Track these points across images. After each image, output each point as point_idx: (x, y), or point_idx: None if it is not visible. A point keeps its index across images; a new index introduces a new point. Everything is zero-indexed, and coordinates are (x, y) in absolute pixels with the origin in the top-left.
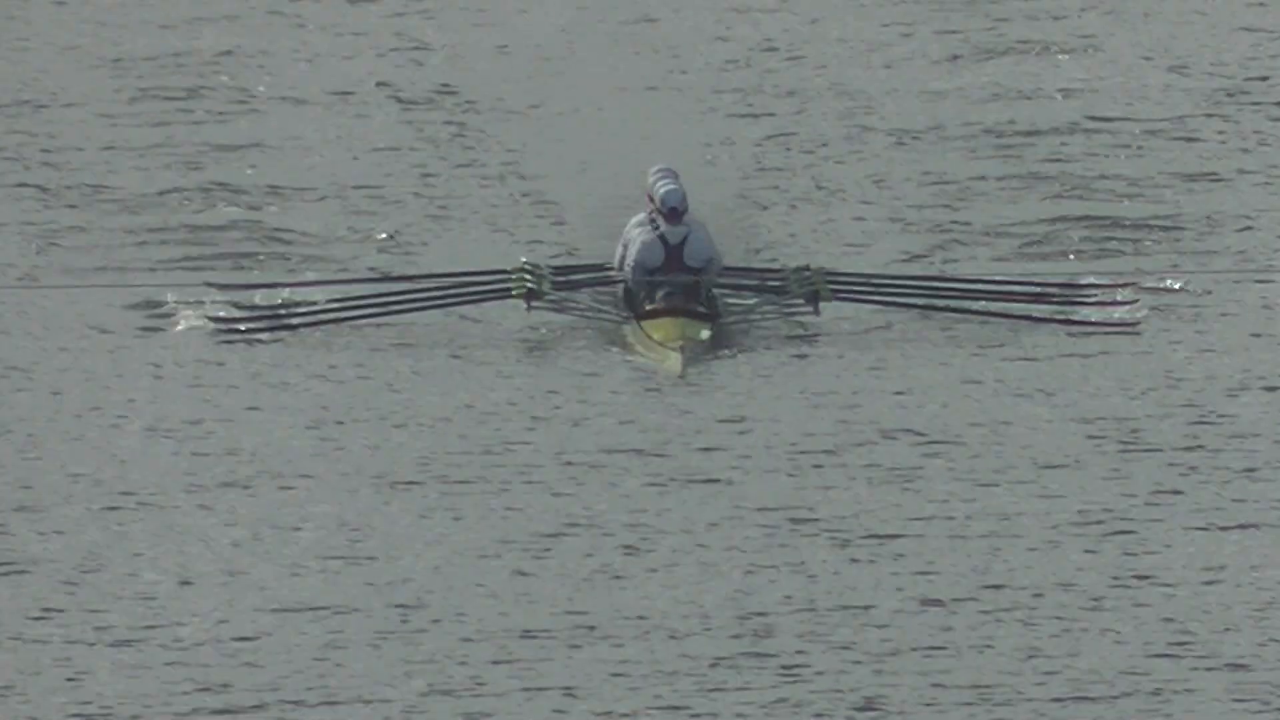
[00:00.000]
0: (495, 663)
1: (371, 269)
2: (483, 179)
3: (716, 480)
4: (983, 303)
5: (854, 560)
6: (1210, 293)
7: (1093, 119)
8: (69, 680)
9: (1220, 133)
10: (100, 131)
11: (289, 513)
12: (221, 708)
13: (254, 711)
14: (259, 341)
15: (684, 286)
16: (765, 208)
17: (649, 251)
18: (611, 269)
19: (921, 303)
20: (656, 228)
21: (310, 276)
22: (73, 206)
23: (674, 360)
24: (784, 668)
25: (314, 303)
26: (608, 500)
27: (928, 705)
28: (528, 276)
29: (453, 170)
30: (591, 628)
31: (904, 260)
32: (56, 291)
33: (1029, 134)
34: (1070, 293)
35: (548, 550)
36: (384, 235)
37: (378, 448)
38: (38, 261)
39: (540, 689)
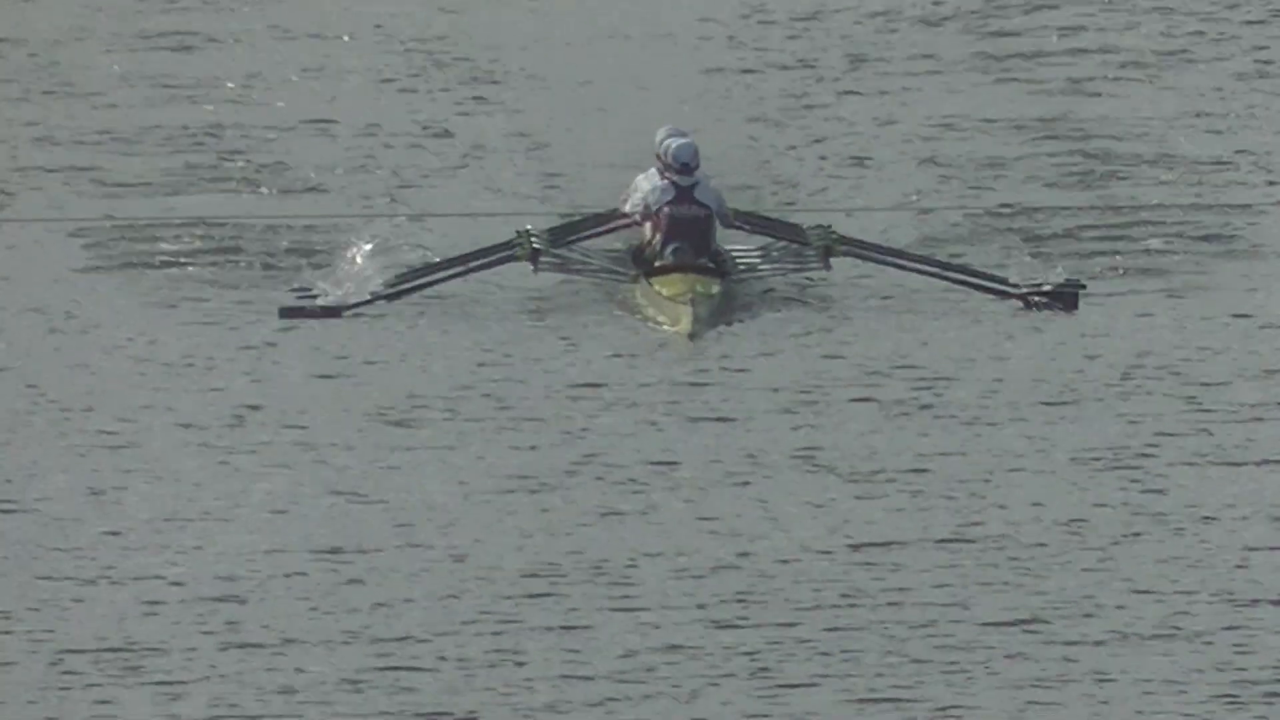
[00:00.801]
0: (506, 598)
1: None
2: (484, 140)
3: (728, 419)
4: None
5: (864, 498)
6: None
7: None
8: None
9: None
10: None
11: (301, 453)
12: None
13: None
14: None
15: (696, 222)
16: (775, 166)
17: (659, 189)
18: (611, 216)
19: (934, 271)
20: (667, 178)
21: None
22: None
23: (684, 317)
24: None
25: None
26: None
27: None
28: (533, 239)
29: (453, 130)
30: (600, 566)
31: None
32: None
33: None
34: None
35: (565, 485)
36: (384, 199)
37: (387, 408)
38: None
39: (562, 627)
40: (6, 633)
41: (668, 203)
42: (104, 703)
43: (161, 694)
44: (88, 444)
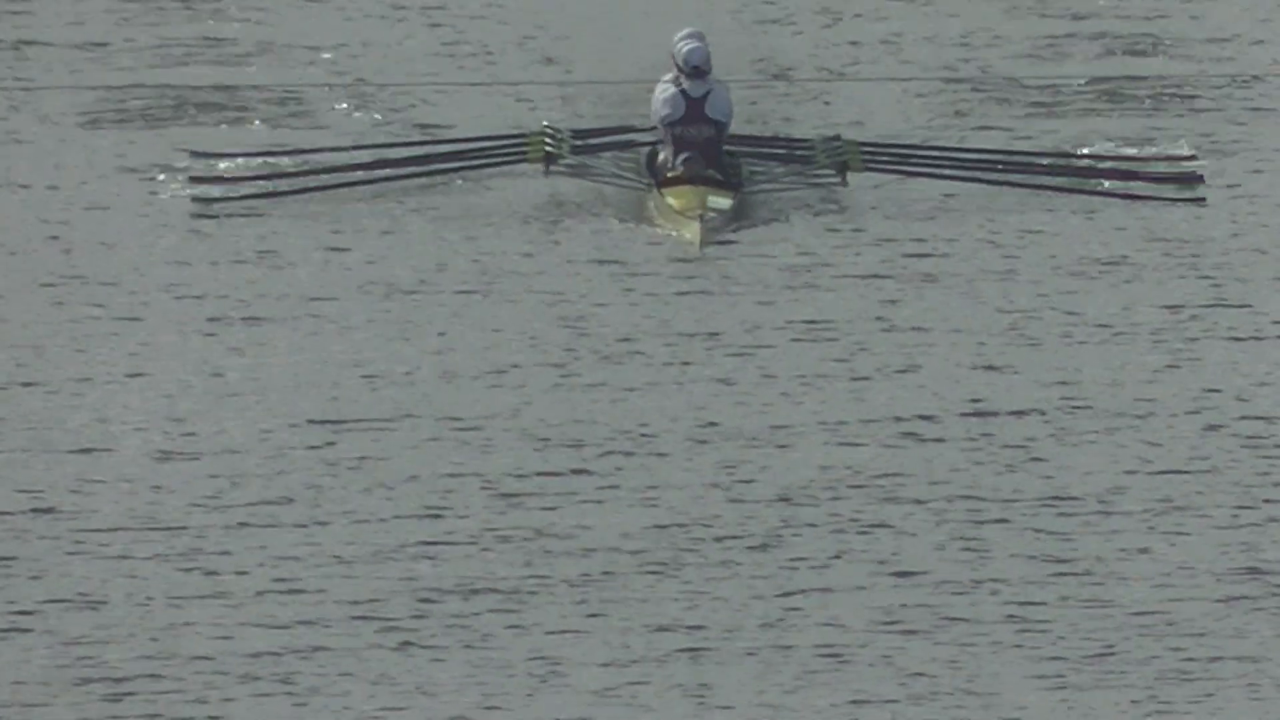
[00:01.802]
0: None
1: (374, 129)
2: (499, 44)
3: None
4: (1022, 175)
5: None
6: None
7: None
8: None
9: None
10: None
11: (303, 341)
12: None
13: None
14: (246, 212)
15: (704, 141)
16: (793, 78)
17: (670, 104)
18: (634, 130)
19: (962, 174)
20: (679, 84)
21: (300, 141)
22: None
23: (693, 231)
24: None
25: (304, 165)
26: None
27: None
28: (548, 140)
29: (467, 30)
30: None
31: (939, 126)
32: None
33: None
34: (1123, 164)
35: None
36: (384, 100)
37: (382, 310)
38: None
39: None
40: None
41: (677, 121)
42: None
43: None
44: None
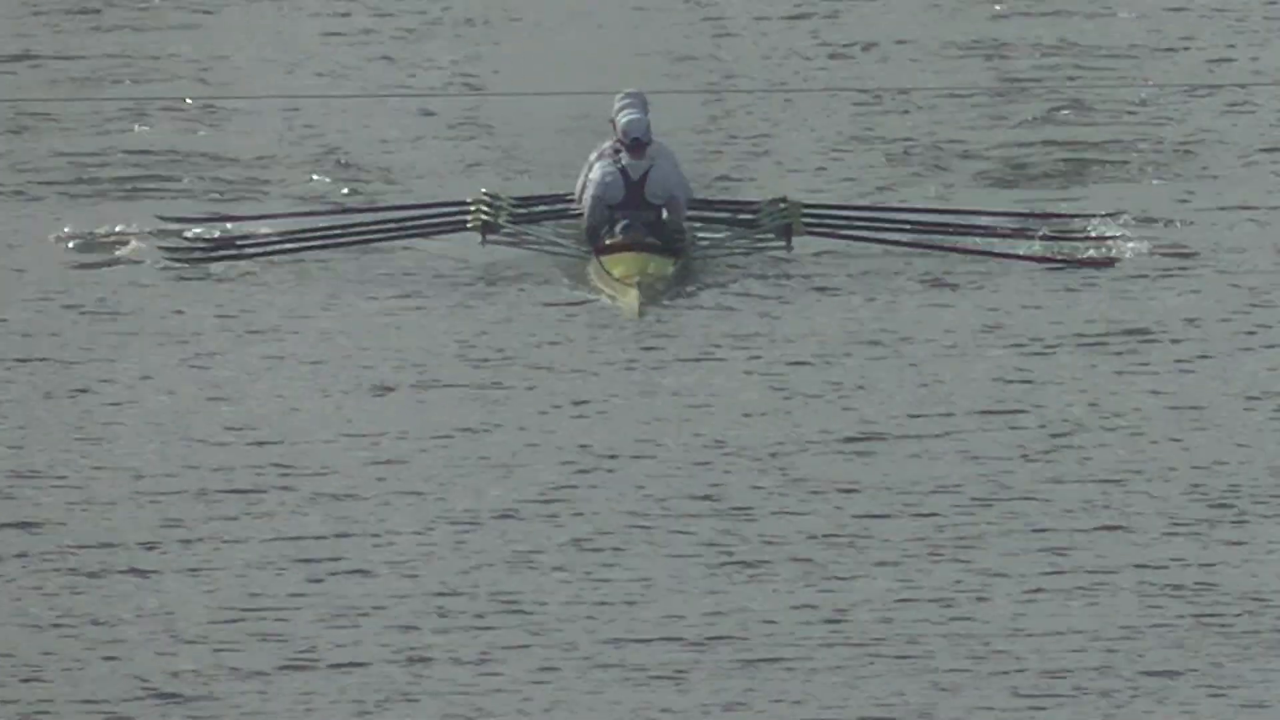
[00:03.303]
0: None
1: (319, 198)
2: (436, 104)
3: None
4: (960, 239)
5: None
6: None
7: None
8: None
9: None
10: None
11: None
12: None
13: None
14: (210, 274)
15: (645, 221)
16: (734, 135)
17: (609, 187)
18: (571, 197)
19: (901, 238)
20: (618, 160)
21: (258, 209)
22: None
23: (632, 298)
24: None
25: (264, 234)
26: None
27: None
28: (485, 208)
29: (404, 93)
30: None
31: (877, 190)
32: None
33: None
34: (1055, 226)
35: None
36: (337, 161)
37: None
38: None
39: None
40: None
41: (616, 205)
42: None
43: None
44: None
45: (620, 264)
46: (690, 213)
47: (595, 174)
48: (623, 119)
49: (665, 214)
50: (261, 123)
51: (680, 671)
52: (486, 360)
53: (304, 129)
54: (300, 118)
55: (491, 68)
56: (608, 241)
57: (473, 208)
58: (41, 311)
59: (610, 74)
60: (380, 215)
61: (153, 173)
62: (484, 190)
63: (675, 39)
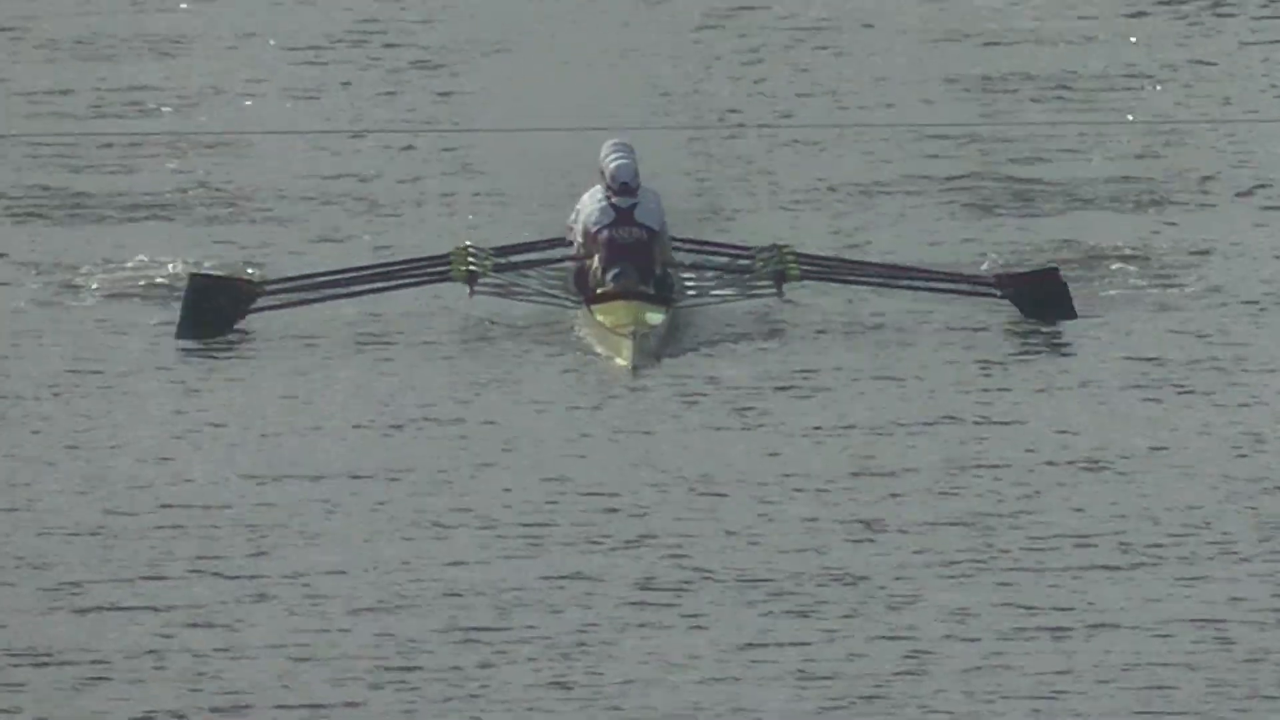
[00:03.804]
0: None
1: (303, 253)
2: (422, 157)
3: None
4: (963, 285)
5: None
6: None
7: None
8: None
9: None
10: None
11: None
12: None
13: None
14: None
15: (635, 245)
16: (720, 175)
17: (600, 213)
18: (558, 242)
19: (892, 283)
20: (608, 198)
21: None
22: None
23: (624, 349)
24: None
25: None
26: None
27: None
28: (470, 259)
29: (388, 144)
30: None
31: (857, 230)
32: None
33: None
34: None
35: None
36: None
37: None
38: None
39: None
40: None
41: (606, 225)
42: None
43: None
44: None
45: (612, 313)
46: (686, 255)
47: (585, 202)
48: (611, 164)
49: (653, 232)
50: (246, 161)
51: None
52: (468, 438)
53: (294, 164)
54: (290, 153)
55: (478, 104)
56: (599, 291)
57: (452, 259)
58: None
59: (596, 113)
60: (361, 273)
61: (131, 215)
62: (468, 243)
63: (662, 77)
